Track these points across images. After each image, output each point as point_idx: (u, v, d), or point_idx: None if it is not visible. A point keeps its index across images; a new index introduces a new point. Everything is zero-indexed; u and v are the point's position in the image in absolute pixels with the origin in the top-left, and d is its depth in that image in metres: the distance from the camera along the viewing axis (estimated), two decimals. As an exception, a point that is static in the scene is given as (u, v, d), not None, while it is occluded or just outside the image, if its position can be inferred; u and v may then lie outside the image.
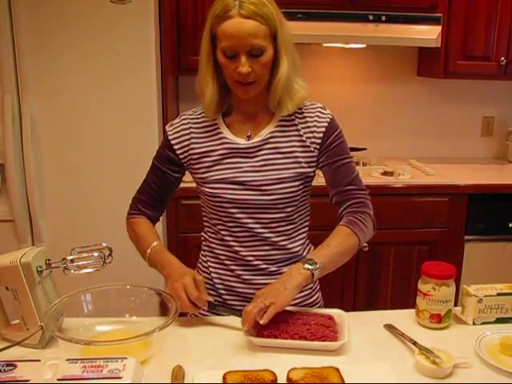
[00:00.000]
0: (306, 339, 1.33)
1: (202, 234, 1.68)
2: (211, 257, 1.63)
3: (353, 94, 3.51)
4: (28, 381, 1.09)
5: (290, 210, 1.54)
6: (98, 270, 1.37)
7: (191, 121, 1.59)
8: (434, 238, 3.00)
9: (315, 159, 1.54)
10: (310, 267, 1.38)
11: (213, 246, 1.62)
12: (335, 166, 1.53)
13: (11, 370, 1.12)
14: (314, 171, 1.56)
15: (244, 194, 1.52)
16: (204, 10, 2.91)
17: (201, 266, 1.68)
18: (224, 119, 1.57)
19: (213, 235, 1.62)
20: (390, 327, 1.44)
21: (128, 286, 1.45)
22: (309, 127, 1.53)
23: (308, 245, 1.65)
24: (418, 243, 2.98)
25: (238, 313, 1.43)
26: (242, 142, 1.54)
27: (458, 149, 3.68)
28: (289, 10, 2.79)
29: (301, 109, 1.55)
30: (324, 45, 3.24)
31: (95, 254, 1.38)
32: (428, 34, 2.99)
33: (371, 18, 2.93)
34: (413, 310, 1.52)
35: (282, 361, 1.28)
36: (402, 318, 1.51)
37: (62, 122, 2.53)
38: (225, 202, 1.53)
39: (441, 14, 3.00)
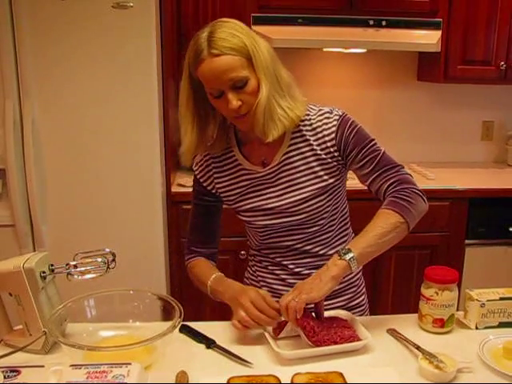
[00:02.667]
0: (336, 343, 1.34)
1: (248, 241, 1.71)
2: (257, 261, 1.67)
3: (353, 99, 3.51)
4: (32, 387, 1.09)
5: (322, 222, 1.55)
6: (102, 275, 1.37)
7: (212, 155, 1.59)
8: (434, 242, 3.01)
9: (335, 169, 1.51)
10: (346, 257, 1.34)
11: (256, 253, 1.66)
12: (359, 158, 1.48)
13: (15, 376, 1.12)
14: (338, 180, 1.53)
15: (274, 219, 1.54)
16: (205, 14, 2.92)
17: (249, 270, 1.72)
18: (240, 149, 1.57)
19: (255, 249, 1.66)
20: (393, 332, 1.44)
21: (131, 292, 1.45)
22: (319, 138, 1.50)
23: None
24: (418, 247, 2.98)
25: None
26: (259, 169, 1.54)
27: (458, 153, 3.68)
28: (289, 15, 2.83)
29: (309, 120, 1.51)
30: (324, 49, 3.25)
31: (99, 260, 1.38)
32: (428, 38, 3.00)
33: (371, 22, 2.94)
34: (415, 315, 1.52)
35: (286, 366, 1.28)
36: (404, 322, 1.51)
37: (63, 126, 2.54)
38: (258, 228, 1.57)
39: (441, 19, 3.01)
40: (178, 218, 2.83)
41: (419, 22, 2.99)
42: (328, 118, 1.50)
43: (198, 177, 1.62)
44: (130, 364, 1.11)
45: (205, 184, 1.61)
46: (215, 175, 1.59)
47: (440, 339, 1.43)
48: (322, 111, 1.52)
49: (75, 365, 1.11)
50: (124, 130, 2.56)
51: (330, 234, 1.58)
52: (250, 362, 1.30)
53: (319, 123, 1.50)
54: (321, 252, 1.57)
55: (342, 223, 1.61)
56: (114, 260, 1.39)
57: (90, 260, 1.38)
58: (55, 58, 2.46)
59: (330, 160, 1.50)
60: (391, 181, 1.47)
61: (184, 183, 2.89)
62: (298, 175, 1.51)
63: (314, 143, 1.50)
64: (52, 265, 1.37)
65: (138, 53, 2.49)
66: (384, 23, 2.95)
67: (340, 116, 1.51)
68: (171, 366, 1.26)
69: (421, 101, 3.57)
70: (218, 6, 2.93)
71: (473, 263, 3.05)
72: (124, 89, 2.52)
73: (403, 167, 1.51)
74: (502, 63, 3.12)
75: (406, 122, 3.59)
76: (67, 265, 1.36)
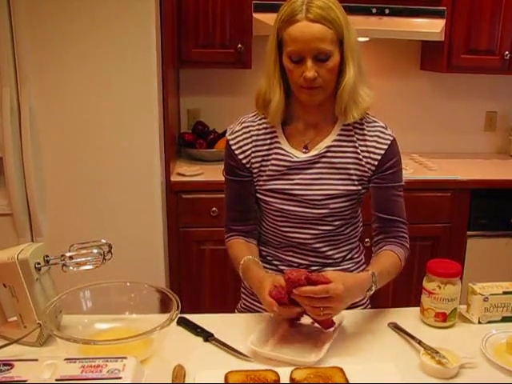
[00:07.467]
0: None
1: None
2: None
3: (355, 88, 3.48)
4: (25, 381, 1.07)
5: (338, 223, 1.55)
6: (98, 266, 1.35)
7: (253, 128, 1.56)
8: (436, 233, 2.98)
9: (367, 178, 1.53)
10: (371, 294, 1.40)
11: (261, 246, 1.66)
12: (387, 191, 1.54)
13: (8, 369, 1.09)
14: (365, 188, 1.55)
15: (293, 206, 1.52)
16: (206, 2, 2.88)
17: None
18: (283, 129, 1.55)
19: (264, 237, 1.65)
20: (394, 326, 1.42)
21: (128, 283, 1.43)
22: (367, 146, 1.51)
23: (357, 247, 1.67)
24: (420, 239, 2.95)
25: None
26: (297, 154, 1.52)
27: (460, 144, 3.65)
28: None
29: (362, 124, 1.53)
30: (326, 38, 3.21)
31: (94, 251, 1.35)
32: (431, 27, 2.96)
33: (374, 10, 2.91)
34: (417, 308, 1.50)
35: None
36: (406, 316, 1.50)
37: (60, 114, 2.51)
38: (274, 211, 1.55)
39: (444, 8, 2.97)
40: (177, 207, 2.81)
41: (423, 10, 2.95)
42: (382, 133, 1.53)
43: (234, 148, 1.56)
44: (125, 358, 1.09)
45: (240, 156, 1.55)
46: (253, 149, 1.54)
47: (442, 333, 1.41)
48: (377, 124, 1.55)
49: (70, 358, 1.09)
50: (123, 119, 2.53)
51: (342, 237, 1.59)
52: (248, 356, 1.28)
53: (371, 133, 1.53)
54: (328, 253, 1.58)
55: (355, 230, 1.63)
56: (110, 251, 1.37)
57: (86, 251, 1.35)
58: (53, 45, 2.43)
59: (366, 169, 1.52)
60: (404, 235, 1.58)
61: (183, 172, 2.86)
62: (333, 171, 1.51)
63: (360, 148, 1.52)
64: (47, 256, 1.34)
65: (138, 40, 2.46)
66: (387, 11, 2.92)
67: (393, 138, 1.54)
68: (168, 360, 1.24)
69: (423, 90, 3.54)
70: (218, -7, 2.89)
71: (474, 255, 3.04)
72: (123, 77, 2.49)
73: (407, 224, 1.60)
74: (507, 53, 3.08)
75: (409, 112, 3.55)
76: (62, 256, 1.33)
